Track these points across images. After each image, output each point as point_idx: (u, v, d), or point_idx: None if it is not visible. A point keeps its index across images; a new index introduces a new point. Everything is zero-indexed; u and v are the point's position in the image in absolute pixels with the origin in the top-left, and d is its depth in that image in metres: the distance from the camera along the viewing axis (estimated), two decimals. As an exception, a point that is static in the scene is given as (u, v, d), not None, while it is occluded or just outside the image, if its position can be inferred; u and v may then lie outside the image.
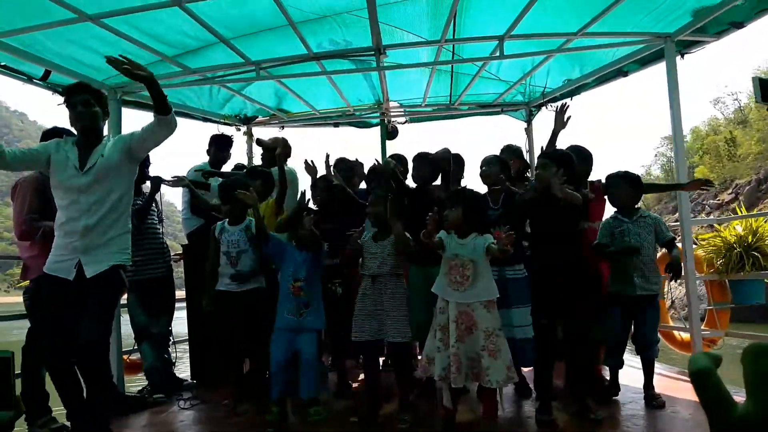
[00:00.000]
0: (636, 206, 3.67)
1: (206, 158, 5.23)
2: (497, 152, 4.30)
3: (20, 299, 4.00)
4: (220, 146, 5.23)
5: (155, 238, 4.51)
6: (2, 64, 4.11)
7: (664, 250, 4.91)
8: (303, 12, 4.09)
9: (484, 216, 3.31)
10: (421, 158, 4.10)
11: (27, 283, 3.89)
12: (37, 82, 4.42)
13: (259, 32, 4.41)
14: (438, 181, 4.20)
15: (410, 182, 4.20)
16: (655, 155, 48.10)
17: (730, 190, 29.91)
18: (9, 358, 1.54)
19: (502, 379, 2.94)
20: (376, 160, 4.43)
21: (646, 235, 3.57)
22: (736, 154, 34.32)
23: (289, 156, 4.43)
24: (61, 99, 4.55)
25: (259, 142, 4.99)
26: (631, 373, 3.79)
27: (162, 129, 3.01)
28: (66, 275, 2.99)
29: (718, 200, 29.48)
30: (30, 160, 3.04)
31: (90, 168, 3.01)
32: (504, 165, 3.89)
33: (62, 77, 4.40)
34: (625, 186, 3.65)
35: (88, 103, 3.08)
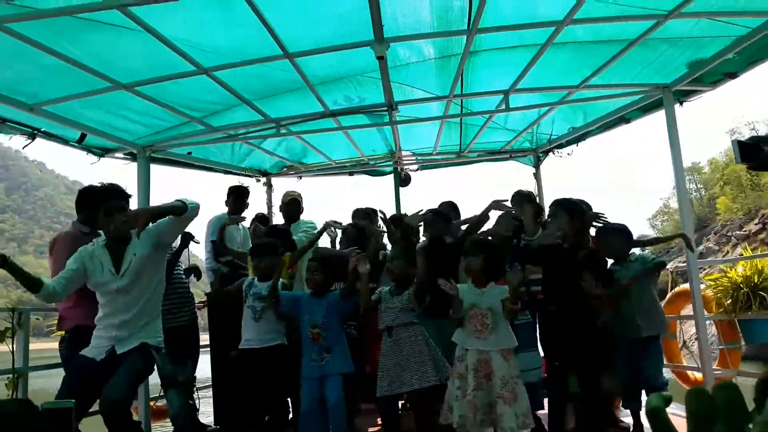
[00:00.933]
0: (629, 253, 3.81)
1: (225, 209, 5.45)
2: (508, 196, 4.53)
3: (50, 345, 4.22)
4: (238, 196, 5.45)
5: (181, 287, 4.71)
6: (42, 129, 4.43)
7: (681, 286, 5.04)
8: (319, 76, 4.39)
9: (503, 265, 3.44)
10: (434, 213, 4.28)
11: (62, 333, 4.13)
12: (73, 144, 4.75)
13: (278, 94, 4.72)
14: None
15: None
16: (674, 187, 47.15)
17: (756, 221, 29.21)
18: (71, 408, 1.74)
19: (517, 426, 3.01)
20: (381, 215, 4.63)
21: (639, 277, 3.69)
22: (759, 183, 33.62)
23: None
24: (95, 158, 4.92)
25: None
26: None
27: (184, 222, 3.32)
28: (95, 356, 3.28)
29: (745, 231, 28.88)
30: (75, 283, 3.29)
31: (126, 270, 3.26)
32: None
33: (96, 139, 4.73)
34: (614, 239, 3.81)
35: (123, 210, 3.33)
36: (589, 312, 3.39)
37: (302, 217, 5.31)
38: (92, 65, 3.66)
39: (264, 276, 3.93)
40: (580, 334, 3.33)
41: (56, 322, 4.55)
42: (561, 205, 3.69)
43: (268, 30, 3.42)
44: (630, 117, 5.27)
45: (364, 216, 5.20)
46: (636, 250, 3.90)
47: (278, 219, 5.83)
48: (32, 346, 4.19)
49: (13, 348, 3.93)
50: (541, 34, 3.89)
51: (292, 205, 5.31)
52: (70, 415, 1.60)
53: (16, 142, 4.40)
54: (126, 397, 3.18)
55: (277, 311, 3.80)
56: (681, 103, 4.72)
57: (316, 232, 4.77)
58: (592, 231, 4.11)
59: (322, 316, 3.66)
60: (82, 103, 4.20)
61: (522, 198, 4.68)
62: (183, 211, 3.28)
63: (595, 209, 4.14)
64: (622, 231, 3.85)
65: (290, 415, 4.22)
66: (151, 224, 3.35)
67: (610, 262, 3.82)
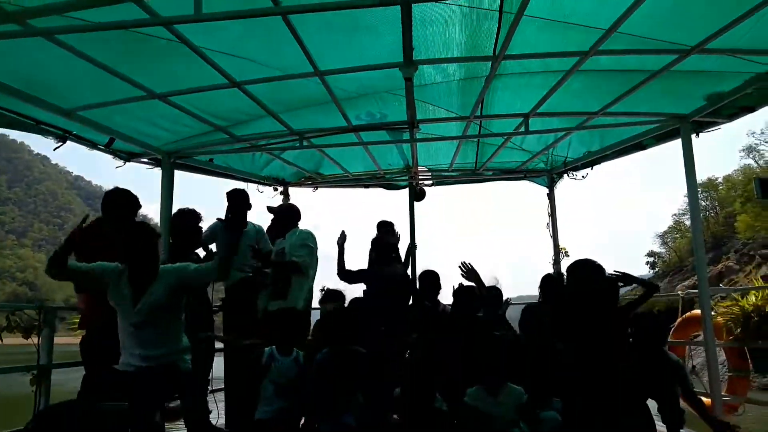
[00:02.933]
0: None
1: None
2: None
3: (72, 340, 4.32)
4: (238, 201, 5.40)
5: (200, 291, 4.80)
6: (74, 133, 4.54)
7: (691, 312, 5.09)
8: (346, 91, 4.50)
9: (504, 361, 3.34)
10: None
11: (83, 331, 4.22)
12: (101, 147, 4.86)
13: (303, 107, 4.83)
14: None
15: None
16: (686, 207, 45.75)
17: (781, 239, 28.82)
18: (124, 410, 1.82)
19: None
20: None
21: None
22: (783, 201, 33.38)
23: None
24: (120, 162, 5.04)
25: (269, 209, 5.35)
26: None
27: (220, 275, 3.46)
28: (125, 369, 3.35)
29: (768, 250, 28.44)
30: (90, 280, 3.35)
31: (140, 308, 3.32)
32: None
33: (124, 144, 4.84)
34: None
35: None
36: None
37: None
38: (129, 74, 3.77)
39: (285, 349, 3.87)
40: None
41: (78, 319, 4.65)
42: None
43: (301, 48, 3.52)
44: (646, 144, 5.36)
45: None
46: (648, 272, 3.93)
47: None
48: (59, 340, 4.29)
49: (38, 344, 4.03)
50: (565, 62, 3.99)
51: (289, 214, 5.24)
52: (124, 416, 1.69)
53: (18, 133, 4.47)
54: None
55: None
56: (698, 134, 4.81)
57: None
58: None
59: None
60: (113, 108, 4.31)
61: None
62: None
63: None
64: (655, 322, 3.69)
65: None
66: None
67: None
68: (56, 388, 4.30)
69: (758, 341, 4.46)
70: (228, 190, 5.09)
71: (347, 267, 5.05)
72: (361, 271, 5.07)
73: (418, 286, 4.87)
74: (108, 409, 1.64)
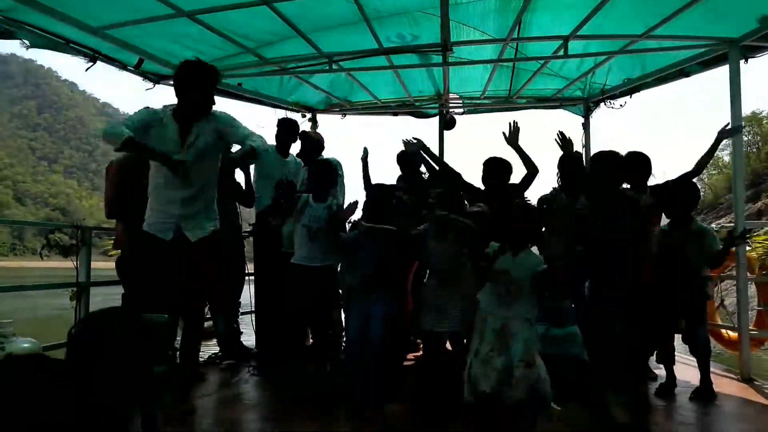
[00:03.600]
0: (690, 215, 3.77)
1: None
2: (553, 147, 4.48)
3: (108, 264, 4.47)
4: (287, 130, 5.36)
5: (233, 216, 4.86)
6: (102, 53, 4.49)
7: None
8: (377, 10, 4.33)
9: (538, 228, 3.40)
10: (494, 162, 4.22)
11: (118, 252, 4.34)
12: (130, 69, 4.81)
13: (332, 27, 4.68)
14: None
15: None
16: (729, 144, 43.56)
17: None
18: (167, 322, 1.88)
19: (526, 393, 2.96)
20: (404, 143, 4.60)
21: (693, 246, 3.65)
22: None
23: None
24: (150, 84, 5.01)
25: (304, 134, 5.29)
26: (693, 370, 3.92)
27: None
28: (164, 236, 3.37)
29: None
30: (138, 132, 3.20)
31: (190, 145, 3.29)
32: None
33: (153, 65, 4.79)
34: (678, 195, 3.76)
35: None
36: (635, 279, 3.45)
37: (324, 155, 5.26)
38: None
39: (319, 196, 3.96)
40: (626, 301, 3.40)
41: (112, 241, 4.78)
42: (597, 158, 3.65)
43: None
44: (690, 71, 5.10)
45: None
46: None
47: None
48: (94, 264, 4.43)
49: (77, 264, 4.17)
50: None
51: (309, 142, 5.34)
52: (166, 328, 1.75)
53: (45, 59, 4.46)
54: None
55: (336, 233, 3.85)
56: (746, 59, 4.55)
57: None
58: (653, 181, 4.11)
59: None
60: (142, 28, 4.24)
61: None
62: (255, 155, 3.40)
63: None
64: (690, 189, 3.78)
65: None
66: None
67: (666, 221, 3.81)
68: (94, 308, 4.49)
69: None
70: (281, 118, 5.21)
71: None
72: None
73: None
74: (150, 320, 1.68)
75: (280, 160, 5.23)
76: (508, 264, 3.15)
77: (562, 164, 4.00)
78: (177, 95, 3.38)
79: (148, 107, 3.37)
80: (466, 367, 3.12)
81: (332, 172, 4.13)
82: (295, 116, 6.58)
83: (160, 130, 3.29)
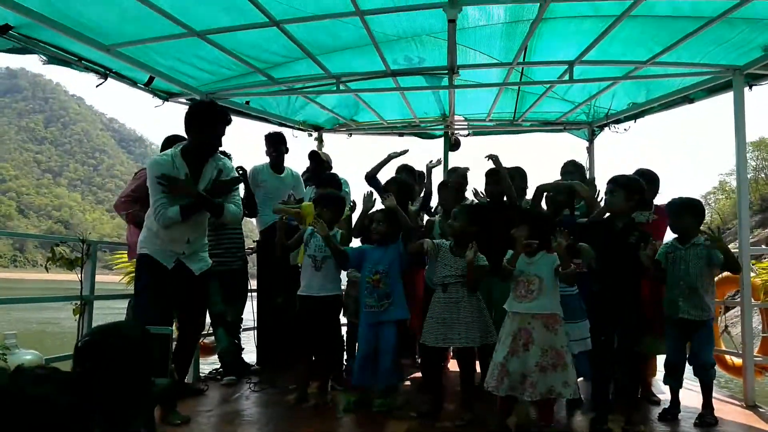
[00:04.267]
0: (695, 233, 3.76)
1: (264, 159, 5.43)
2: (557, 170, 4.54)
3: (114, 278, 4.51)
4: (275, 143, 5.38)
5: (236, 233, 4.90)
6: (114, 70, 4.56)
7: (726, 273, 5.03)
8: (386, 33, 4.40)
9: (550, 234, 3.50)
10: (496, 174, 4.31)
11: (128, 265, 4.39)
12: (141, 86, 4.88)
13: (341, 50, 4.75)
14: None
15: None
16: (732, 169, 43.19)
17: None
18: (169, 335, 1.89)
19: (543, 394, 3.10)
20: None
21: (697, 262, 3.63)
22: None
23: None
24: (159, 102, 5.08)
25: (314, 154, 5.34)
26: (694, 396, 3.90)
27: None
28: (166, 264, 3.54)
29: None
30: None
31: (205, 188, 3.48)
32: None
33: (163, 83, 4.85)
34: (683, 214, 3.76)
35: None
36: (636, 291, 3.49)
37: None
38: (169, 10, 3.74)
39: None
40: (625, 307, 3.42)
41: (119, 256, 4.81)
42: (618, 182, 3.67)
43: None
44: (694, 97, 5.15)
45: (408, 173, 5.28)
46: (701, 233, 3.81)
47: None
48: (97, 278, 4.44)
49: (81, 277, 4.19)
50: (617, 6, 3.82)
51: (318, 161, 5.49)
52: (169, 341, 1.76)
53: (54, 74, 4.56)
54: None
55: (340, 264, 3.95)
56: (750, 87, 4.59)
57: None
58: (659, 200, 4.14)
59: (384, 264, 3.79)
60: (153, 47, 4.31)
61: (576, 168, 4.67)
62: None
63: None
64: (694, 207, 3.78)
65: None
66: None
67: (672, 236, 3.82)
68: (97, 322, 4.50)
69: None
70: (266, 133, 5.31)
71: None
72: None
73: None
74: (154, 332, 1.70)
75: (274, 176, 5.26)
76: (523, 266, 3.29)
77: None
78: (189, 135, 3.54)
79: (155, 162, 3.49)
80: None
81: (338, 202, 4.15)
82: (301, 135, 6.71)
83: (172, 173, 3.42)
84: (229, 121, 3.60)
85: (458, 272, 3.56)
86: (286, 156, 5.40)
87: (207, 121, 3.48)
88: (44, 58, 4.07)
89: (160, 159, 3.47)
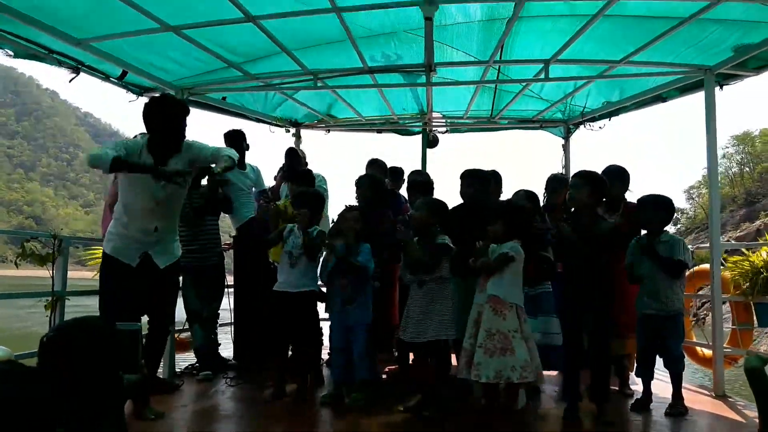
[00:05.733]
0: (662, 229, 3.84)
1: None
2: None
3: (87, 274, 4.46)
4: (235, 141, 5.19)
5: (213, 229, 4.85)
6: (86, 64, 4.47)
7: (700, 266, 5.14)
8: (363, 28, 4.39)
9: (526, 228, 3.53)
10: (471, 176, 4.32)
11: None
12: (114, 80, 4.80)
13: (318, 45, 4.73)
14: None
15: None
16: (723, 156, 40.51)
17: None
18: (137, 331, 1.88)
19: (492, 377, 3.15)
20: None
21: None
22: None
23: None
24: (133, 96, 5.01)
25: (292, 151, 5.35)
26: (666, 386, 3.95)
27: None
28: (130, 262, 3.56)
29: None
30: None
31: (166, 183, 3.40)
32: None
33: (136, 77, 4.78)
34: (652, 211, 3.82)
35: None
36: (603, 285, 3.50)
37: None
38: (141, 4, 3.68)
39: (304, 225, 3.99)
40: (592, 301, 3.47)
41: (93, 252, 4.73)
42: (582, 176, 3.70)
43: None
44: (667, 96, 5.24)
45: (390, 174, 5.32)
46: (670, 228, 3.90)
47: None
48: (70, 273, 4.37)
49: (53, 273, 4.12)
50: (591, 5, 3.87)
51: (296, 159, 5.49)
52: (138, 337, 1.75)
53: (26, 67, 4.47)
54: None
55: (309, 258, 3.95)
56: (721, 87, 4.68)
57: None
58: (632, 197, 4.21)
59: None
60: (126, 41, 4.24)
61: (557, 184, 4.68)
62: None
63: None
64: (662, 204, 3.84)
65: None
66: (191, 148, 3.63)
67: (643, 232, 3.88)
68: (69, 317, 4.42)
69: (765, 296, 4.48)
70: (226, 131, 5.12)
71: None
72: None
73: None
74: (122, 328, 1.68)
75: (238, 173, 5.16)
76: (491, 254, 3.38)
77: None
78: (148, 131, 3.54)
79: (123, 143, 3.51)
80: None
81: (317, 200, 4.17)
82: (278, 130, 6.68)
83: (138, 161, 3.39)
84: (186, 114, 3.59)
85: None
86: (247, 153, 5.31)
87: (164, 116, 3.48)
88: (10, 52, 3.98)
89: (134, 140, 3.56)
